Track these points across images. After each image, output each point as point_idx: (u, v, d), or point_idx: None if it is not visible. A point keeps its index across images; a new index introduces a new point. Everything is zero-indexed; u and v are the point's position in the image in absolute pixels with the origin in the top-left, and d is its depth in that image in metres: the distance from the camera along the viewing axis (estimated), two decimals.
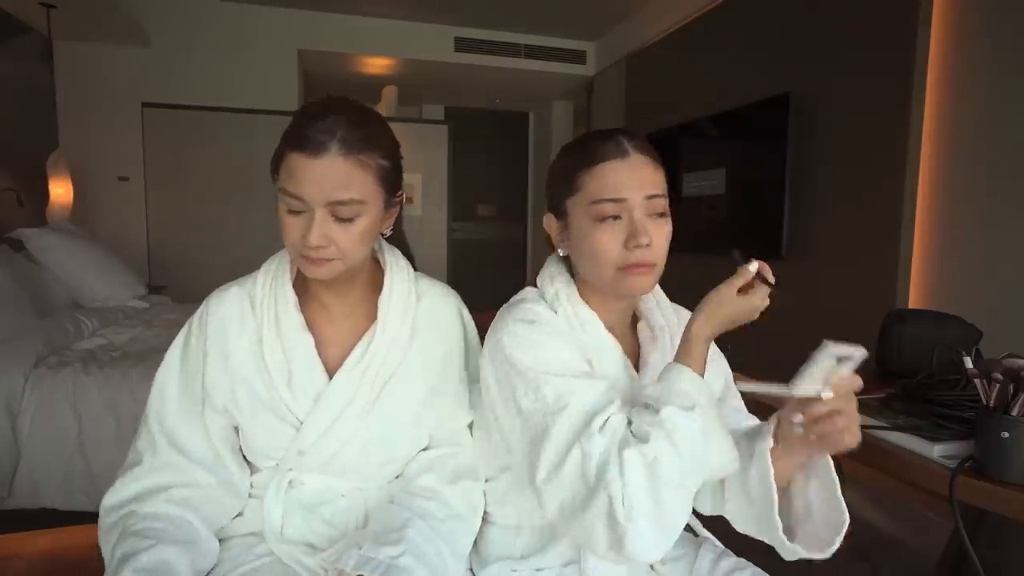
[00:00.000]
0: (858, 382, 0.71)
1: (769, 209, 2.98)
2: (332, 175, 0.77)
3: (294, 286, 0.91)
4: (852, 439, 0.70)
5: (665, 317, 0.94)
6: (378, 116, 0.86)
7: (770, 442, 0.77)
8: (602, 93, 5.06)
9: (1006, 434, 0.82)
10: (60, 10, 3.35)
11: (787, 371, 0.74)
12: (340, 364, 0.88)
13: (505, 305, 0.89)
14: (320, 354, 0.88)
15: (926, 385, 1.08)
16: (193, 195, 4.18)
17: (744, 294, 0.76)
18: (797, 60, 2.92)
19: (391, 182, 0.85)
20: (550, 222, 0.90)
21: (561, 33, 4.94)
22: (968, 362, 0.93)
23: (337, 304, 0.91)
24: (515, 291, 0.94)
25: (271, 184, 0.84)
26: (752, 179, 3.20)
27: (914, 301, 2.41)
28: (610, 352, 0.86)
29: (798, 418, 0.72)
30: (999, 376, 0.84)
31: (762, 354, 2.99)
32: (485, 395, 0.85)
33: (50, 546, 1.86)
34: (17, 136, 3.49)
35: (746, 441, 0.80)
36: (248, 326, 0.88)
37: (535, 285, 0.93)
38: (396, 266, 0.95)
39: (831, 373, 0.69)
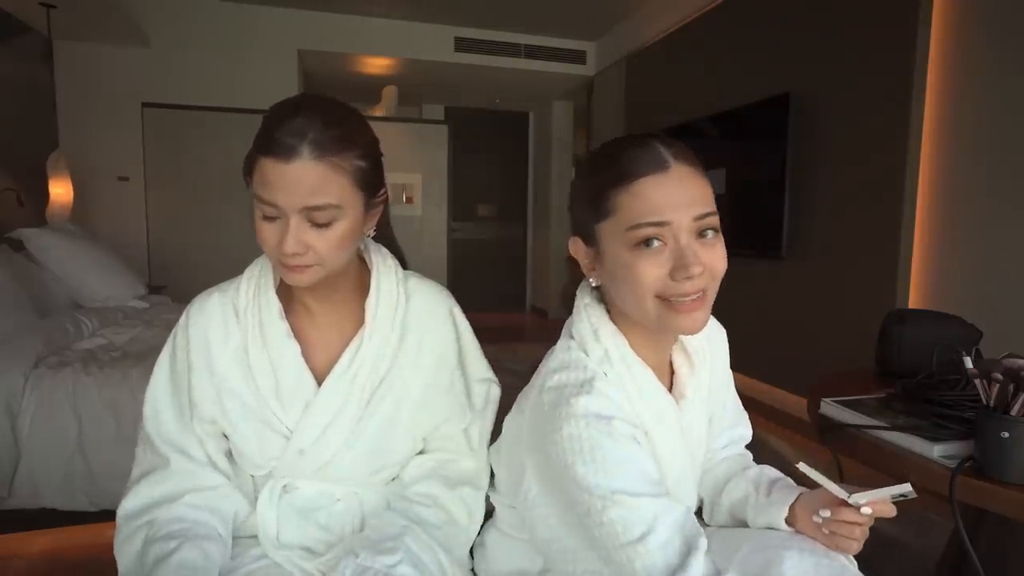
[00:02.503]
0: (893, 513, 0.73)
1: (769, 209, 2.98)
2: (305, 180, 0.73)
3: (278, 292, 0.88)
4: (856, 548, 0.74)
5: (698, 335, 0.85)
6: (354, 113, 0.81)
7: (786, 511, 0.78)
8: (602, 93, 5.06)
9: (1006, 434, 0.81)
10: (60, 10, 3.34)
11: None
12: (328, 370, 0.86)
13: (549, 380, 0.75)
14: (308, 361, 0.86)
15: (926, 385, 1.08)
16: (193, 195, 4.18)
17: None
18: (797, 60, 2.92)
19: (370, 182, 0.80)
20: (577, 247, 0.79)
21: (561, 33, 4.94)
22: (968, 362, 0.93)
23: (322, 309, 0.88)
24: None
25: None
26: (752, 179, 3.20)
27: (914, 301, 2.41)
28: (668, 414, 0.78)
29: (826, 512, 0.73)
30: (999, 376, 0.83)
31: (763, 354, 3.00)
32: (510, 465, 0.81)
33: (50, 546, 1.86)
34: (17, 136, 3.49)
35: (764, 495, 0.83)
36: (233, 335, 0.86)
37: (562, 327, 0.83)
38: (383, 266, 0.91)
39: (882, 500, 0.73)
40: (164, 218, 4.17)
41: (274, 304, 0.86)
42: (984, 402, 0.86)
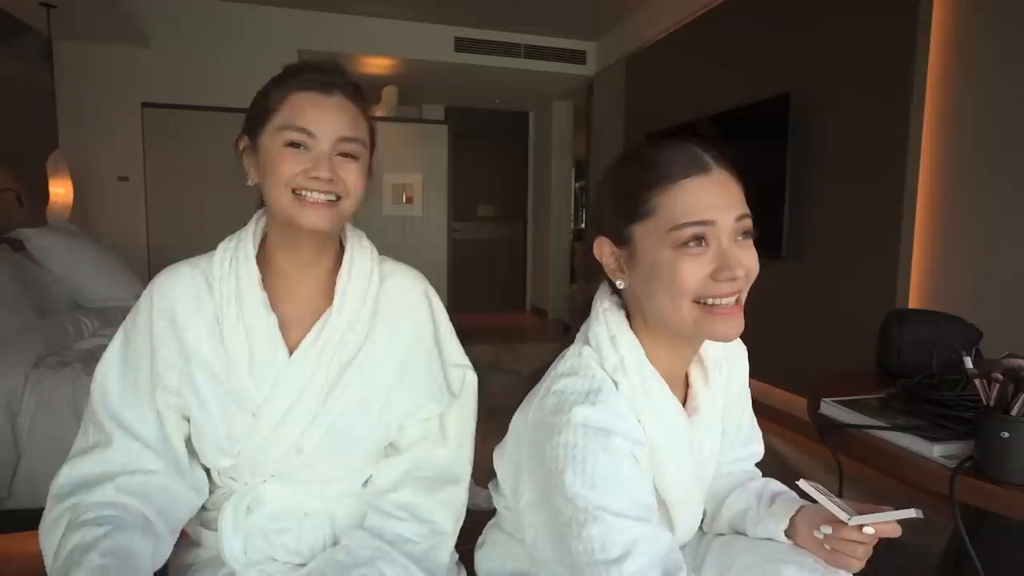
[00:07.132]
0: (897, 533, 0.71)
1: (769, 209, 2.98)
2: (342, 112, 0.82)
3: (257, 261, 0.87)
4: (858, 566, 0.73)
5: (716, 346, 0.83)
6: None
7: (785, 523, 0.77)
8: (602, 93, 5.06)
9: (1006, 434, 0.81)
10: (60, 10, 3.34)
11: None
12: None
13: (555, 384, 0.72)
14: (283, 335, 0.85)
15: (926, 385, 1.08)
16: (193, 195, 4.18)
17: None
18: (797, 60, 2.92)
19: (371, 147, 0.88)
20: (603, 248, 0.76)
21: (561, 33, 4.94)
22: (968, 362, 0.93)
23: (301, 276, 0.88)
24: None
25: None
26: (752, 179, 3.19)
27: (914, 301, 2.41)
28: (679, 429, 0.76)
29: (827, 528, 0.72)
30: (999, 376, 0.84)
31: (762, 353, 2.99)
32: (511, 465, 0.76)
33: None
34: (17, 136, 3.48)
35: (765, 507, 0.81)
36: (205, 307, 0.84)
37: (576, 331, 0.81)
38: (359, 246, 0.92)
39: (888, 522, 0.71)
40: (164, 218, 4.16)
41: (254, 273, 0.85)
42: (984, 402, 0.86)
